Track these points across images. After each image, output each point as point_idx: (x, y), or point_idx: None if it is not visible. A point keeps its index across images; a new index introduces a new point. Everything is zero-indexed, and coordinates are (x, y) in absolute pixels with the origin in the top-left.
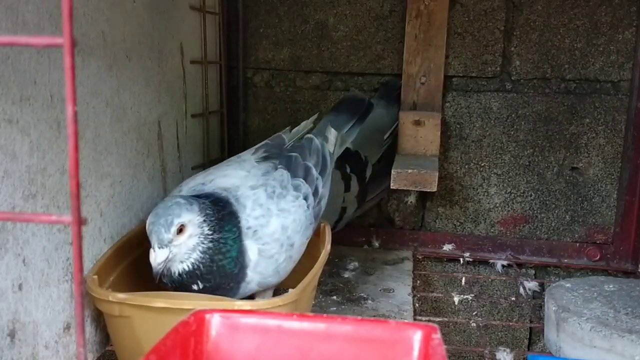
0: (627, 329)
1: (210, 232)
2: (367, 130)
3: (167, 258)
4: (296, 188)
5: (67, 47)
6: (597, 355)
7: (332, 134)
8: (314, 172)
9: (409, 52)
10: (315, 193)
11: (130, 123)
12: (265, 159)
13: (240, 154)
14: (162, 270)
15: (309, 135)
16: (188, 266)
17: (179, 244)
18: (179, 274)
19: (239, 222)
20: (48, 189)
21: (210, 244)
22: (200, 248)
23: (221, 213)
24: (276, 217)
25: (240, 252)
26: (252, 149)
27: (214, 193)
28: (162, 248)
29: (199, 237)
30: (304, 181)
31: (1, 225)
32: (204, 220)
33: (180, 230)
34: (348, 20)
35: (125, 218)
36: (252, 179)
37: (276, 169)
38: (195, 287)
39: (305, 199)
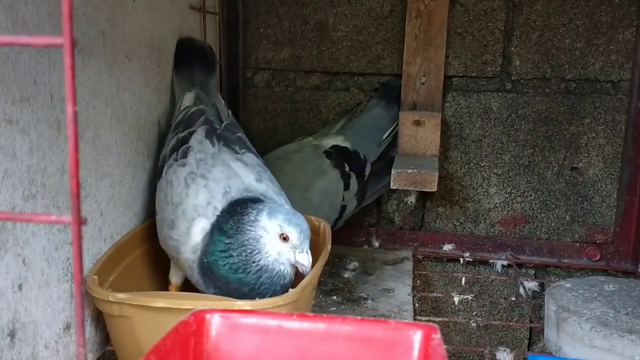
0: (627, 329)
1: None
2: (367, 129)
3: None
4: (264, 169)
5: (67, 47)
6: (597, 355)
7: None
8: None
9: (409, 52)
10: None
11: (130, 123)
12: (225, 145)
13: (195, 147)
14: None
15: (230, 113)
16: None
17: None
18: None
19: None
20: (48, 189)
21: None
22: None
23: None
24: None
25: None
26: (198, 135)
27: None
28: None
29: None
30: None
31: (1, 225)
32: None
33: None
34: (348, 20)
35: (125, 218)
36: (251, 172)
37: (243, 153)
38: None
39: None
